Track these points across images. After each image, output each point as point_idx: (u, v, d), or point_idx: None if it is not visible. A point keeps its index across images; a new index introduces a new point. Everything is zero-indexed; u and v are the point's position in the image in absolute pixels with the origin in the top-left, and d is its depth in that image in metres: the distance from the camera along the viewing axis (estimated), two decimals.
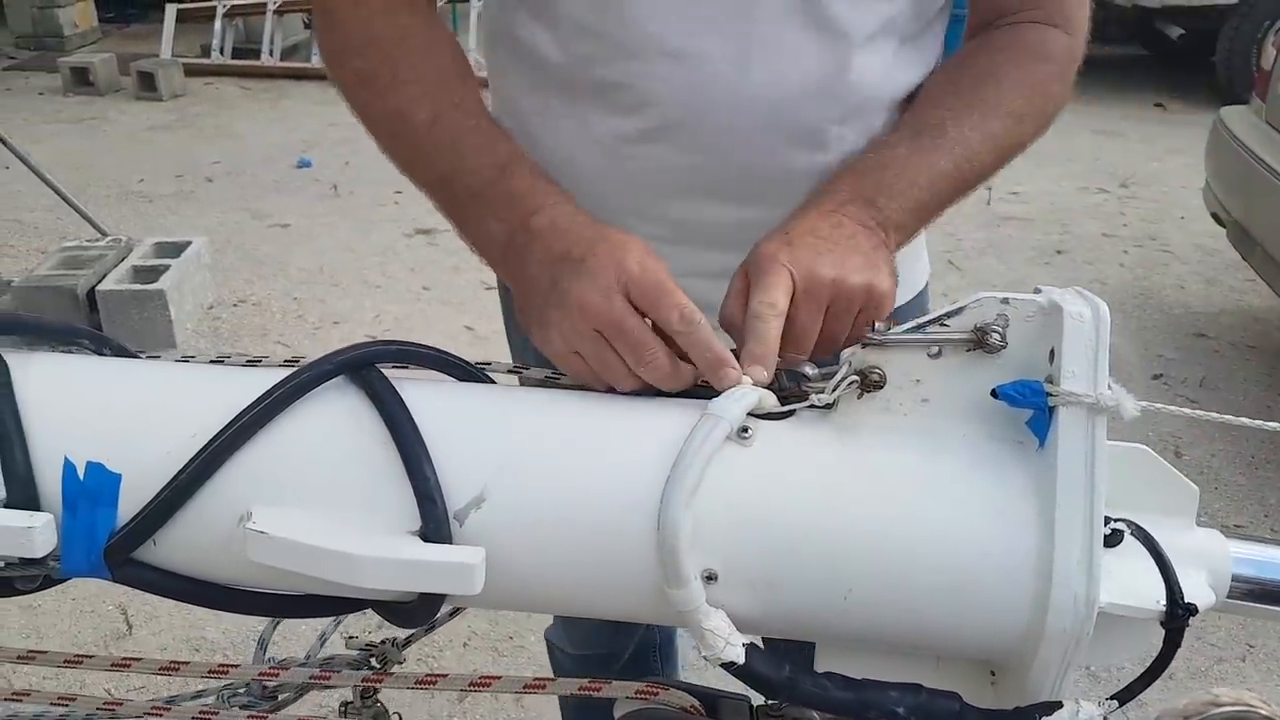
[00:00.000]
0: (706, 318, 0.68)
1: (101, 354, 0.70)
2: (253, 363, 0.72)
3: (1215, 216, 3.52)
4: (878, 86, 0.92)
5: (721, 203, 0.93)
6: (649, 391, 0.68)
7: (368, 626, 1.93)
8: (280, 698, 0.77)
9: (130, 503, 0.60)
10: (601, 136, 0.92)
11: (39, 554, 0.59)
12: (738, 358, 0.68)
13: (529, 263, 0.74)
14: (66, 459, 0.60)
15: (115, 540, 0.60)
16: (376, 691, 0.76)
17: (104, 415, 0.63)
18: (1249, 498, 2.76)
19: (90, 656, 0.71)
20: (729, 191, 0.92)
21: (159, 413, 0.63)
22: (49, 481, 0.60)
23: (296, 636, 1.88)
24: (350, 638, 0.81)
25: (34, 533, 0.58)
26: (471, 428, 0.63)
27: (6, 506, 0.60)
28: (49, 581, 0.66)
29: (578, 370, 0.70)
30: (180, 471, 0.59)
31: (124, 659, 0.71)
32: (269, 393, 0.60)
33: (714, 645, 0.58)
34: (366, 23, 0.86)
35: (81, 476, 0.60)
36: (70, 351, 0.70)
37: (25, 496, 0.60)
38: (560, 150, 0.95)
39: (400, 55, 0.85)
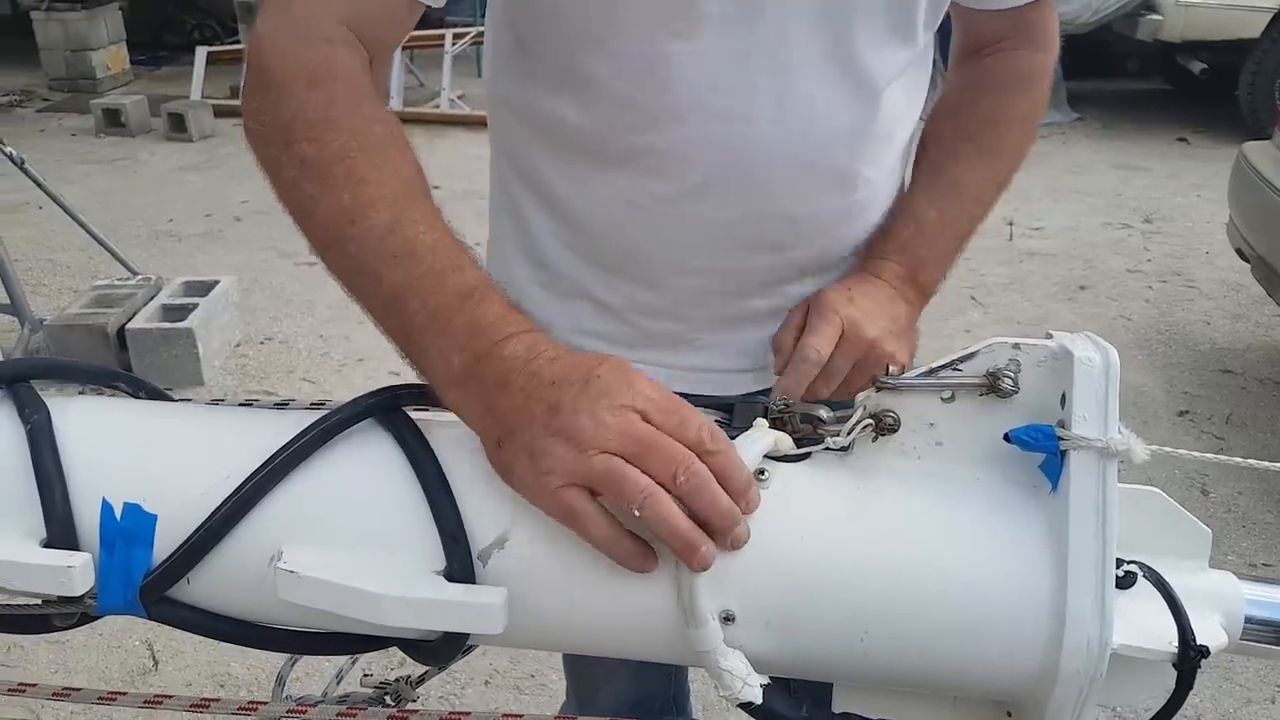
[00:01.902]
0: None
1: (137, 396, 0.73)
2: (281, 405, 0.74)
3: (1239, 252, 3.51)
4: (896, 123, 0.96)
5: (757, 251, 0.96)
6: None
7: (389, 664, 1.94)
8: None
9: (165, 542, 0.62)
10: (637, 198, 0.93)
11: (77, 592, 0.61)
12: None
13: (510, 392, 0.63)
14: (105, 500, 0.62)
15: (150, 579, 0.62)
16: None
17: (140, 457, 0.65)
18: (1277, 536, 2.73)
19: (123, 694, 0.73)
20: (763, 240, 0.95)
21: (193, 455, 0.65)
22: (87, 521, 0.62)
23: (313, 673, 1.89)
24: (366, 675, 0.82)
25: (73, 572, 0.60)
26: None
27: (46, 546, 0.62)
28: (85, 619, 0.68)
29: (572, 504, 0.59)
30: (214, 512, 0.61)
31: (156, 696, 0.72)
32: (299, 436, 0.62)
33: (732, 685, 0.59)
34: (325, 107, 0.75)
35: (119, 517, 0.62)
36: (107, 394, 0.72)
37: (64, 536, 0.62)
38: (590, 211, 0.96)
39: (357, 151, 0.73)
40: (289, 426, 0.64)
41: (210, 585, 0.63)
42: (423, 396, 0.68)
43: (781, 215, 0.94)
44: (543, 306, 1.05)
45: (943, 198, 0.98)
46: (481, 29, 7.65)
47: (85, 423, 0.66)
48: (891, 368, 0.63)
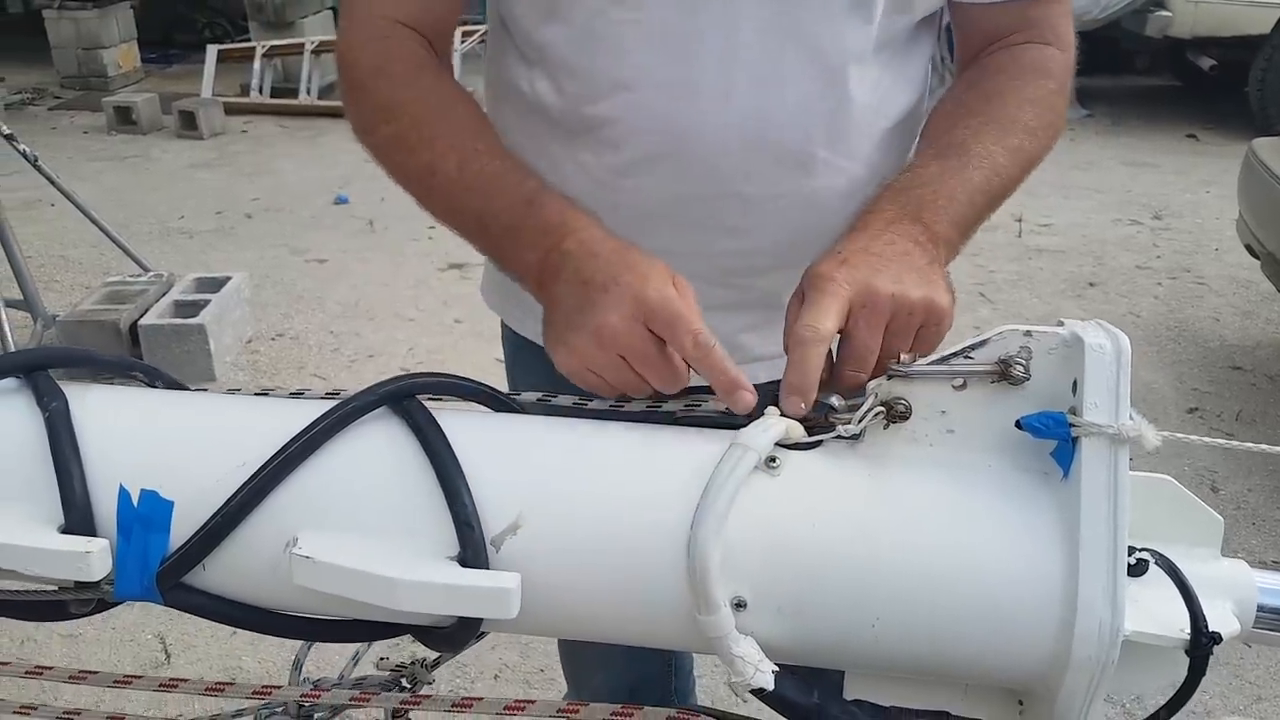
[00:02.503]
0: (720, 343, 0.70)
1: (154, 386, 0.73)
2: (296, 395, 0.75)
3: (1249, 248, 3.50)
4: (865, 109, 0.94)
5: (714, 233, 0.95)
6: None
7: (409, 651, 1.95)
8: (315, 717, 0.78)
9: (182, 529, 0.62)
10: (595, 172, 0.95)
11: (95, 578, 0.61)
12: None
13: (559, 282, 0.77)
14: (121, 487, 0.63)
15: (167, 565, 0.62)
16: (406, 712, 0.78)
17: (157, 445, 0.65)
18: None
19: (139, 677, 0.73)
20: (719, 221, 0.95)
21: (209, 442, 0.65)
22: (104, 508, 0.63)
23: (328, 660, 1.90)
24: (381, 659, 0.83)
25: (91, 557, 0.61)
26: (507, 457, 0.65)
27: (64, 532, 0.62)
28: (102, 605, 0.68)
29: (593, 385, 0.74)
30: (230, 499, 0.61)
31: (171, 680, 0.73)
32: (315, 423, 0.63)
33: (744, 671, 0.59)
34: (390, 91, 0.91)
35: (135, 503, 0.63)
36: (124, 384, 0.73)
37: (82, 523, 0.62)
38: (558, 186, 0.98)
39: (424, 115, 0.89)
40: (304, 415, 0.64)
41: (226, 571, 0.64)
42: (439, 387, 0.69)
43: (733, 194, 0.93)
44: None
45: (944, 155, 0.87)
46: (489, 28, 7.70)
47: (103, 411, 0.67)
48: (903, 355, 0.64)
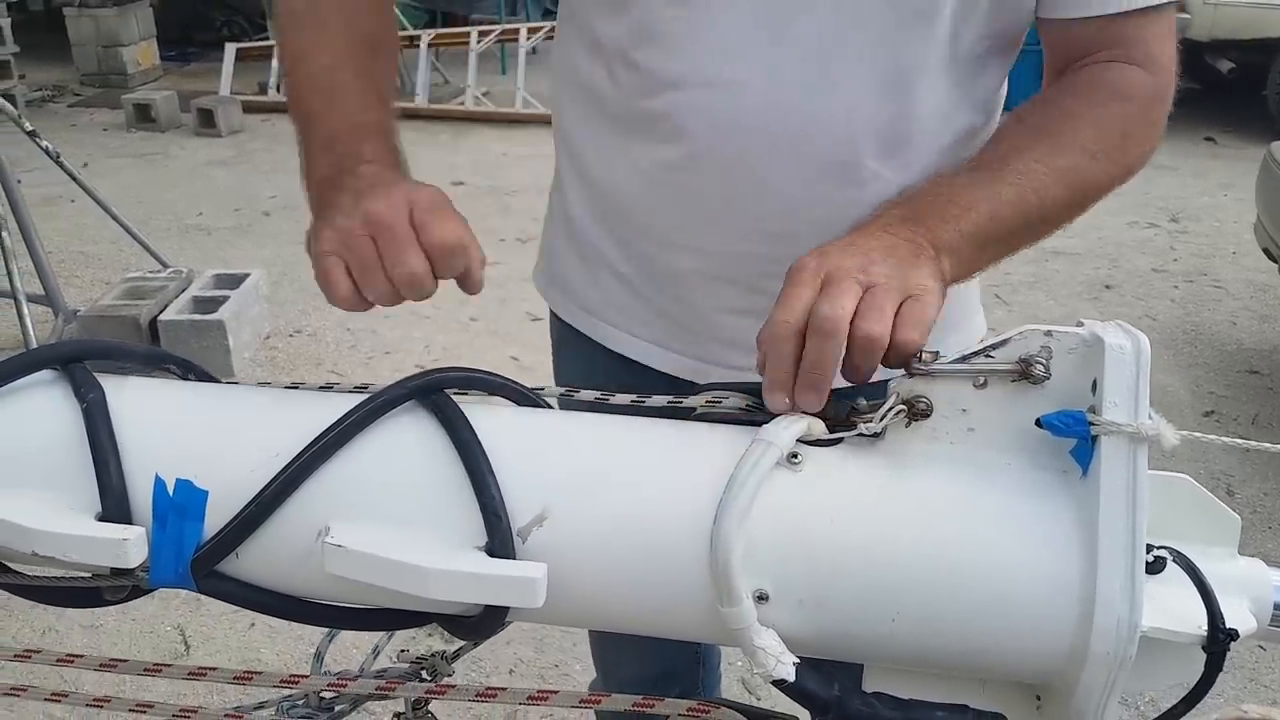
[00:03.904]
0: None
1: (186, 378, 0.75)
2: (326, 388, 0.76)
3: (1267, 252, 3.49)
4: (926, 122, 0.91)
5: (756, 239, 0.94)
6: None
7: (425, 645, 1.97)
8: (336, 709, 0.80)
9: (216, 517, 0.64)
10: (645, 166, 0.96)
11: (131, 564, 0.63)
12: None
13: (341, 191, 0.79)
14: (157, 476, 0.64)
15: (201, 553, 0.64)
16: (427, 703, 0.79)
17: (192, 435, 0.67)
18: None
19: (168, 665, 0.75)
20: (764, 227, 0.94)
21: (243, 433, 0.66)
22: (140, 497, 0.64)
23: (345, 653, 1.92)
24: (401, 651, 0.84)
25: (128, 545, 0.62)
26: (534, 450, 0.66)
27: (101, 520, 0.64)
28: (135, 592, 0.70)
29: (328, 271, 0.76)
30: (263, 488, 0.63)
31: (200, 668, 0.74)
32: (347, 415, 0.64)
33: (765, 663, 0.60)
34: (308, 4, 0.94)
35: (171, 492, 0.64)
36: (158, 376, 0.74)
37: (119, 511, 0.64)
38: (609, 181, 0.99)
39: (330, 7, 0.93)
40: (335, 407, 0.66)
41: (258, 560, 0.65)
42: (467, 381, 0.70)
43: (776, 199, 0.92)
44: (578, 278, 1.09)
45: (977, 167, 0.84)
46: (504, 27, 7.72)
47: (138, 402, 0.68)
48: (925, 354, 0.64)
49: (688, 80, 0.91)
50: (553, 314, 1.18)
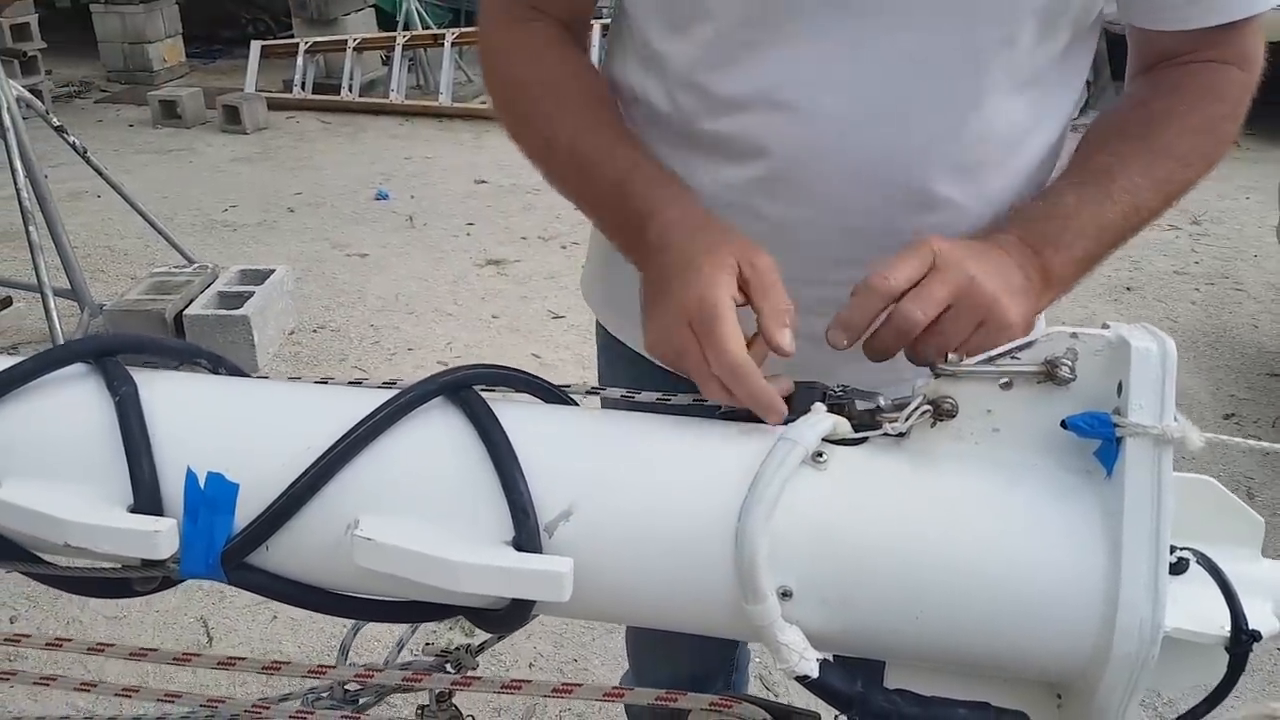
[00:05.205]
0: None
1: (217, 373, 0.76)
2: (355, 383, 0.77)
3: None
4: (1002, 144, 0.90)
5: (820, 264, 0.90)
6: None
7: (447, 639, 1.98)
8: (361, 701, 0.81)
9: (246, 510, 0.65)
10: (707, 185, 0.92)
11: (163, 556, 0.64)
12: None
13: (648, 269, 0.82)
14: (189, 469, 0.65)
15: (232, 545, 0.65)
16: (452, 695, 0.80)
17: (223, 429, 0.68)
18: None
19: (198, 655, 0.76)
20: (827, 252, 0.91)
21: (274, 427, 0.67)
22: (172, 489, 0.65)
23: (368, 647, 1.94)
24: (426, 644, 0.85)
25: (159, 536, 0.63)
26: (561, 446, 0.67)
27: (133, 512, 0.65)
28: (165, 583, 0.71)
29: (665, 357, 0.77)
30: (294, 482, 0.63)
31: (229, 658, 0.75)
32: (377, 410, 0.65)
33: (789, 659, 0.61)
34: (516, 70, 0.96)
35: (202, 485, 0.65)
36: (189, 370, 0.75)
37: (150, 503, 0.65)
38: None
39: (543, 93, 0.94)
40: (364, 402, 0.66)
41: (288, 553, 0.66)
42: (494, 378, 0.71)
43: (843, 226, 0.90)
44: (629, 294, 1.07)
45: (1085, 183, 0.84)
46: None
47: (170, 395, 0.69)
48: (950, 355, 0.65)
49: (762, 102, 0.88)
50: (600, 326, 1.17)
